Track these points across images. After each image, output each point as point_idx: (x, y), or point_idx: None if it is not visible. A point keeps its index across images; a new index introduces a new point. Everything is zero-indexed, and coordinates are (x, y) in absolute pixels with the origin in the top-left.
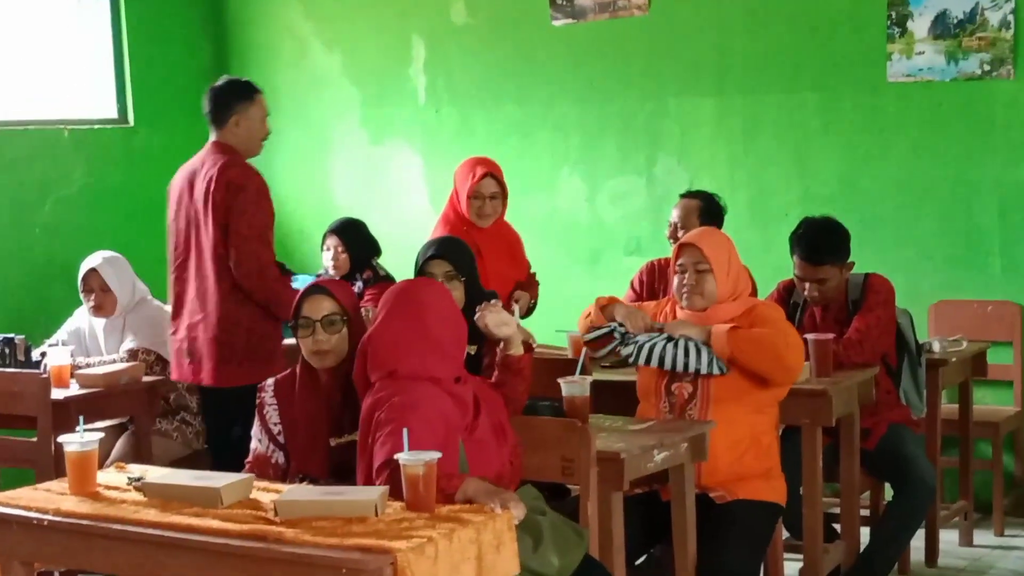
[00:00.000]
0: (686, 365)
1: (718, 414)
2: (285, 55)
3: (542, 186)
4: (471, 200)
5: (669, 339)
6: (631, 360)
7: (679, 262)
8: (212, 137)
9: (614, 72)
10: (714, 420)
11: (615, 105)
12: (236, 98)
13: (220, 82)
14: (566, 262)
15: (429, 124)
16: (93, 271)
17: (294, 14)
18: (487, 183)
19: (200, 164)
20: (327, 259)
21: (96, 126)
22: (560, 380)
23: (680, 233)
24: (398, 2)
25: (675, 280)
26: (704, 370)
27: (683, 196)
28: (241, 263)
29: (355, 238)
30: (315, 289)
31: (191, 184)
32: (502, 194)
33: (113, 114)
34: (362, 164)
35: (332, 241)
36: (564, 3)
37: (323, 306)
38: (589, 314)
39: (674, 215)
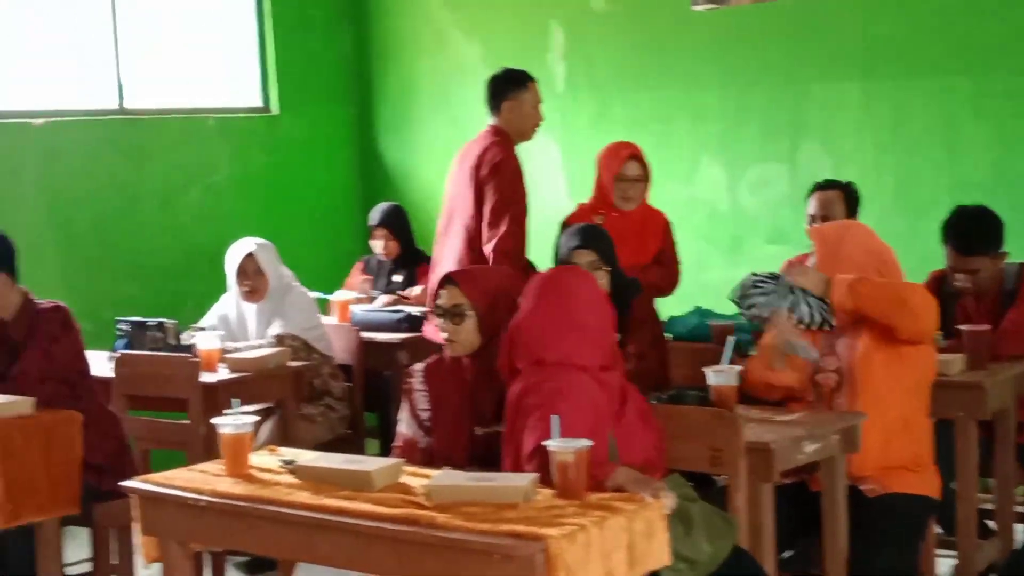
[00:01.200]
0: (799, 317)
1: (866, 399)
2: (425, 44)
3: (681, 174)
4: (615, 183)
5: (790, 290)
6: (751, 312)
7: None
8: (489, 121)
9: (756, 57)
10: (864, 409)
11: (757, 91)
12: (509, 86)
13: (498, 71)
14: (706, 250)
15: (567, 112)
16: (250, 256)
17: (434, 3)
18: (631, 166)
19: (474, 143)
20: (377, 248)
21: (241, 114)
22: (707, 369)
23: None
24: None
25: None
26: (807, 320)
27: (819, 187)
28: (489, 238)
29: (401, 224)
30: (447, 279)
31: (463, 160)
32: (645, 177)
33: (257, 102)
34: None
35: (380, 232)
36: None
37: (451, 296)
38: None
39: (813, 207)
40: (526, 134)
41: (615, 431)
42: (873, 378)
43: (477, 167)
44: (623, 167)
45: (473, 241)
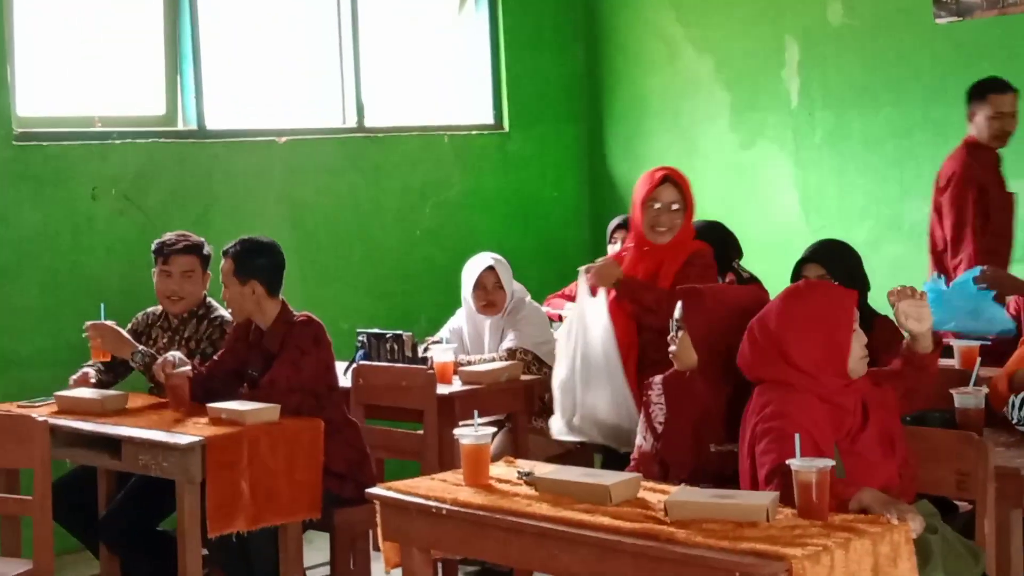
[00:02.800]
0: None
1: None
2: (656, 59)
3: (924, 191)
4: (645, 208)
5: None
6: None
7: None
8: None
9: (1001, 71)
10: None
11: None
12: (970, 96)
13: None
14: None
15: (801, 127)
16: (490, 269)
17: (665, 18)
18: (665, 190)
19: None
20: (614, 251)
21: (473, 132)
22: (953, 391)
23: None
24: (772, 5)
25: None
26: None
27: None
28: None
29: None
30: (672, 295)
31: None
32: (684, 204)
33: (489, 120)
34: (731, 168)
35: (621, 234)
36: (949, 0)
37: (676, 310)
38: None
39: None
40: (992, 143)
41: (845, 450)
42: None
43: (938, 179)
44: (655, 191)
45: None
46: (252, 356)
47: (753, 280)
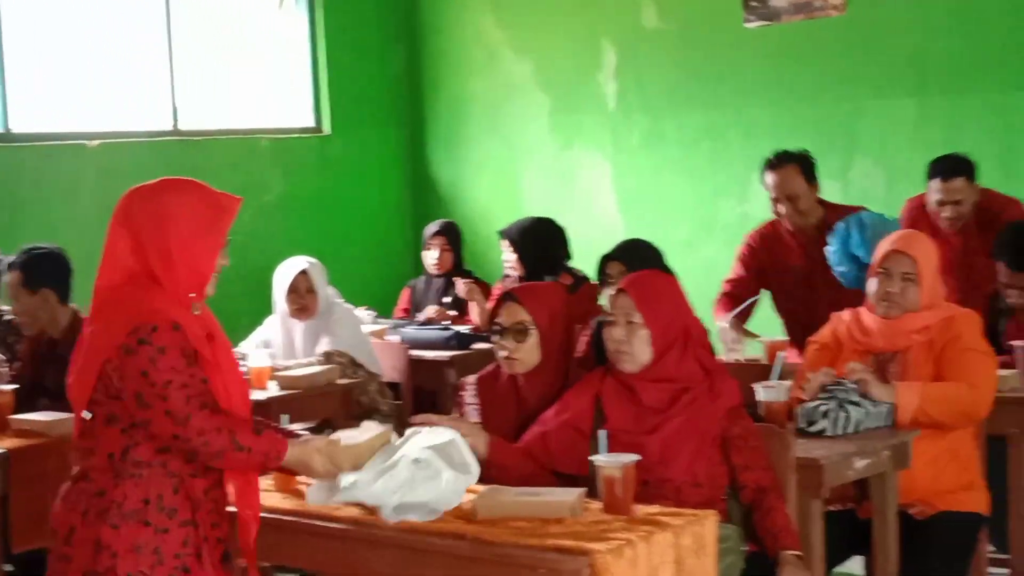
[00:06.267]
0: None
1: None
2: (476, 63)
3: (735, 192)
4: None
5: (841, 404)
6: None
7: (884, 266)
8: None
9: (809, 74)
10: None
11: (809, 108)
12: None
13: None
14: None
15: (619, 129)
16: (303, 273)
17: (486, 22)
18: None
19: None
20: (430, 259)
21: (293, 135)
22: (756, 385)
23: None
24: (589, 9)
25: (874, 282)
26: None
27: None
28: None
29: (457, 239)
30: (509, 296)
31: None
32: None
33: (310, 123)
34: (551, 170)
35: (436, 241)
36: (758, 5)
37: (514, 314)
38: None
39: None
40: None
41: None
42: None
43: None
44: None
45: None
46: (47, 369)
47: (586, 280)
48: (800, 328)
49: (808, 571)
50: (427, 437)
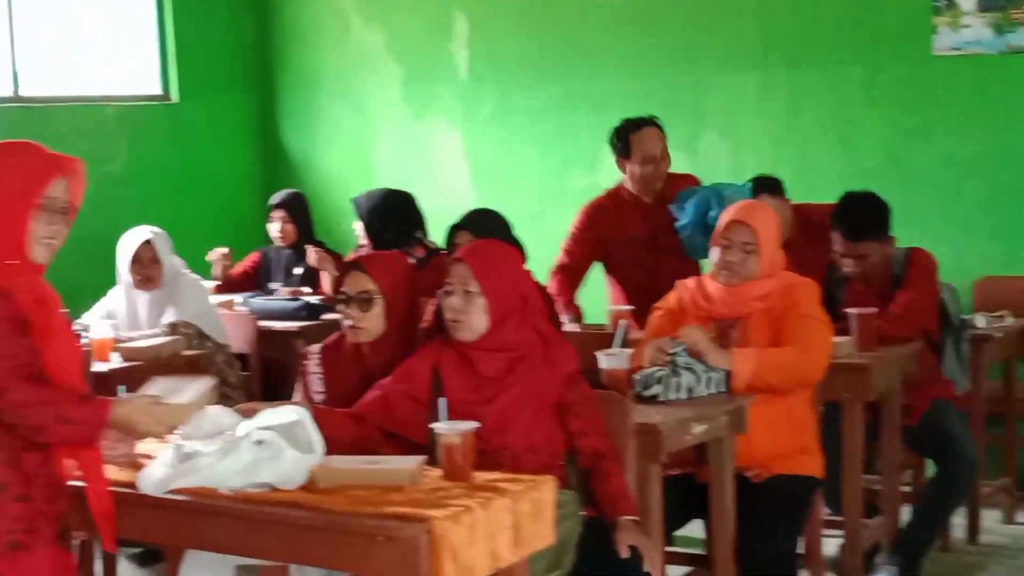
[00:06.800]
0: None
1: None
2: (327, 31)
3: (584, 162)
4: None
5: (675, 370)
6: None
7: (727, 236)
8: None
9: (656, 46)
10: (751, 404)
11: (657, 80)
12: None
13: None
14: None
15: (471, 99)
16: (148, 243)
17: None
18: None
19: None
20: (274, 231)
21: (140, 103)
22: (598, 353)
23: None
24: None
25: (716, 252)
26: (704, 392)
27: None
28: None
29: (300, 210)
30: (354, 265)
31: None
32: None
33: (157, 90)
34: (404, 140)
35: (277, 214)
36: None
37: (358, 283)
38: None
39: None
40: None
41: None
42: None
43: None
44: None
45: None
46: None
47: (439, 252)
48: (643, 296)
49: (645, 535)
50: (272, 416)
